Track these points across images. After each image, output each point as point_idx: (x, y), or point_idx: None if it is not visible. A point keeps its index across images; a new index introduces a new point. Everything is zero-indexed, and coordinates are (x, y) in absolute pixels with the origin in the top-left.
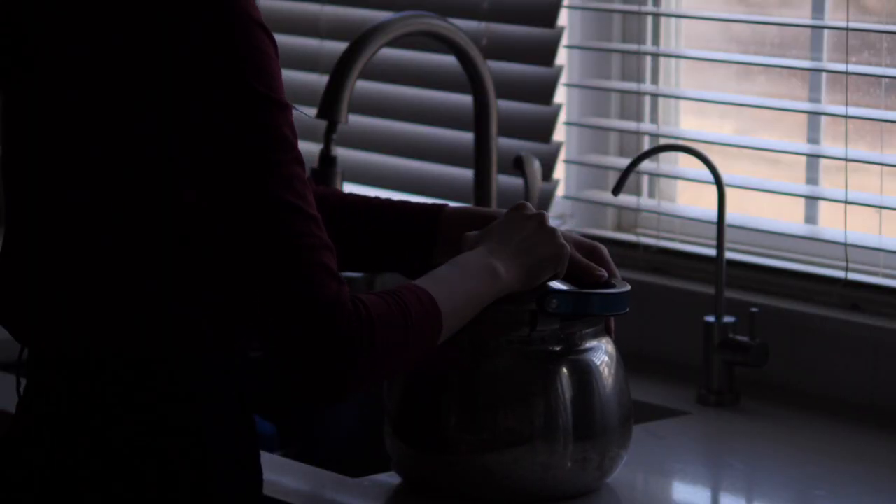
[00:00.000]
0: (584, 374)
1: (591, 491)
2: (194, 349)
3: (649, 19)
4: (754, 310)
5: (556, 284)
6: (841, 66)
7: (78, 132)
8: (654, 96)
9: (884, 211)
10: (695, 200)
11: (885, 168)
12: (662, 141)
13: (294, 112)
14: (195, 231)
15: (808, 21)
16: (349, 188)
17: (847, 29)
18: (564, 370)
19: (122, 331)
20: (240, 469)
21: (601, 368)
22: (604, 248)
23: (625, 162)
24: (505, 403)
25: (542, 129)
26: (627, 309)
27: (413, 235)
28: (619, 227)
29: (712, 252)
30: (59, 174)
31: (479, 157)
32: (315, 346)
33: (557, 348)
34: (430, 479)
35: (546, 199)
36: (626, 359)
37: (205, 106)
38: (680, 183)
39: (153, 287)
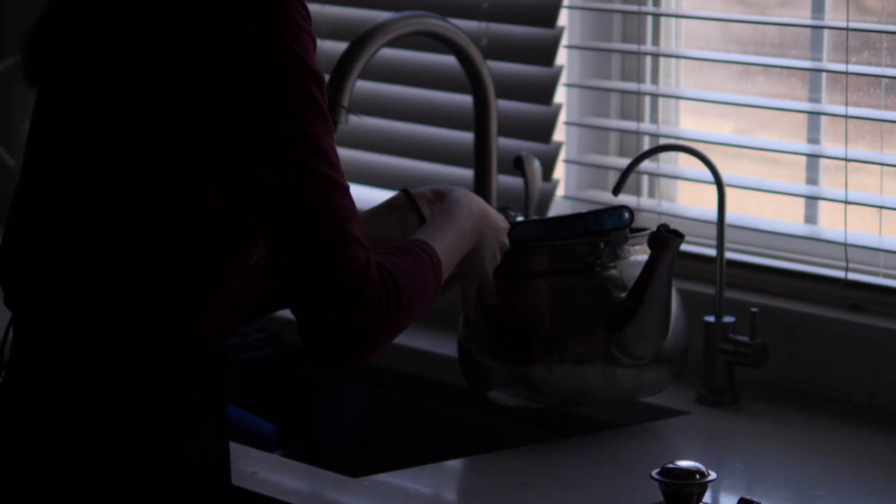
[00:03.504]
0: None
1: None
2: (186, 342)
3: (649, 19)
4: (754, 310)
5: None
6: (841, 66)
7: (102, 113)
8: (654, 96)
9: (884, 211)
10: (695, 200)
11: (885, 168)
12: (662, 141)
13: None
14: (211, 226)
15: (808, 21)
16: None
17: (847, 29)
18: (615, 293)
19: (115, 315)
20: (199, 470)
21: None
22: None
23: (625, 162)
24: (569, 325)
25: (542, 129)
26: (608, 227)
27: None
28: None
29: (712, 252)
30: (83, 155)
31: (479, 157)
32: (348, 313)
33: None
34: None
35: (546, 199)
36: None
37: (238, 83)
38: (680, 183)
39: (162, 276)
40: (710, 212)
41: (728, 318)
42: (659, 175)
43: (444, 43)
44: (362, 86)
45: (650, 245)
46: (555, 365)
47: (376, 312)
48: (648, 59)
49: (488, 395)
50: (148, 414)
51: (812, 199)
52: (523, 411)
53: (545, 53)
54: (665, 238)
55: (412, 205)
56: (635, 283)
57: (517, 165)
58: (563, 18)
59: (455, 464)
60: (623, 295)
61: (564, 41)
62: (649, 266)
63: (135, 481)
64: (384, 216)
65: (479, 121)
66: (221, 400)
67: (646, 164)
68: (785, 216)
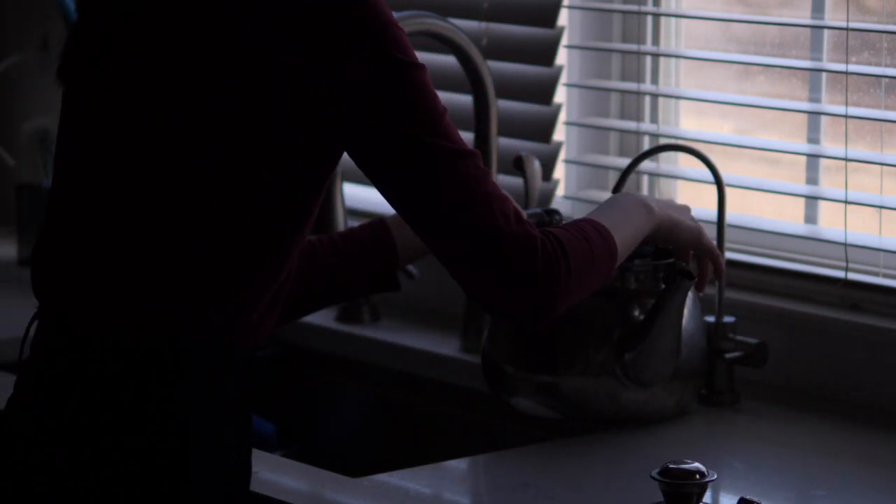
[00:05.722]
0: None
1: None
2: (210, 338)
3: (649, 19)
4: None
5: None
6: (841, 66)
7: (103, 113)
8: (654, 96)
9: (884, 211)
10: (695, 200)
11: (885, 168)
12: (662, 141)
13: None
14: (211, 227)
15: (808, 21)
16: (349, 188)
17: (847, 29)
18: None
19: (120, 314)
20: (224, 464)
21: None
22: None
23: (625, 162)
24: (592, 341)
25: (542, 129)
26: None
27: (378, 252)
28: None
29: None
30: (84, 156)
31: None
32: (523, 277)
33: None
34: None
35: (546, 199)
36: None
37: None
38: (680, 183)
39: (162, 276)
40: (710, 212)
41: (728, 318)
42: (659, 175)
43: (444, 43)
44: None
45: (663, 280)
46: (577, 377)
47: (550, 275)
48: (648, 59)
49: (511, 401)
50: (171, 415)
51: (812, 199)
52: (540, 419)
53: (545, 53)
54: (675, 278)
55: None
56: (646, 314)
57: (517, 165)
58: (563, 18)
59: (455, 464)
60: (640, 319)
61: (564, 41)
62: (659, 301)
63: (154, 483)
64: None
65: (479, 121)
66: (246, 404)
67: (646, 164)
68: (785, 216)
